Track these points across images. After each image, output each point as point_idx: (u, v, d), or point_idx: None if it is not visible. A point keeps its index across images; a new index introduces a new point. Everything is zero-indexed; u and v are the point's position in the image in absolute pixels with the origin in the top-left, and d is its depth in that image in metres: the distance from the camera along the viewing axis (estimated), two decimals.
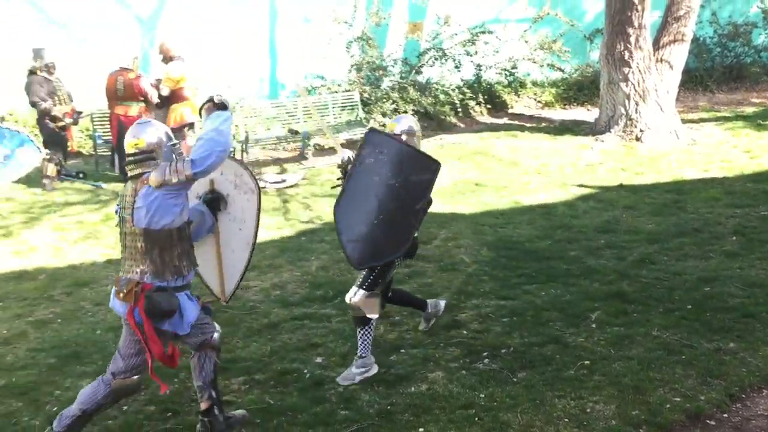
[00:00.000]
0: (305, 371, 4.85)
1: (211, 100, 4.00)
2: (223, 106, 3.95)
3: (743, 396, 4.44)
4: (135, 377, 3.93)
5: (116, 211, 3.95)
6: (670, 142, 11.16)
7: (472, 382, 4.63)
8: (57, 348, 5.25)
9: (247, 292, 6.21)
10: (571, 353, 4.95)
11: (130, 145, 3.87)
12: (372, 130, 4.96)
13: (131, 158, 3.88)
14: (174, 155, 3.88)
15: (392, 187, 4.57)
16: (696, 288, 5.92)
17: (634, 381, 4.54)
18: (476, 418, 4.22)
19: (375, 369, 4.79)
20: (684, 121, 12.57)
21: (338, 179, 5.06)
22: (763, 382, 4.56)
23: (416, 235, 4.82)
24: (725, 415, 4.25)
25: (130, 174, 3.90)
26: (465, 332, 5.33)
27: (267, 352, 5.14)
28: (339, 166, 5.05)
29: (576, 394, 4.44)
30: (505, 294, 5.95)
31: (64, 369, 4.95)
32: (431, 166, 4.70)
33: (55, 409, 4.42)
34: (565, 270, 6.39)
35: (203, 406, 4.14)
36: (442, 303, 5.46)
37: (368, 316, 4.72)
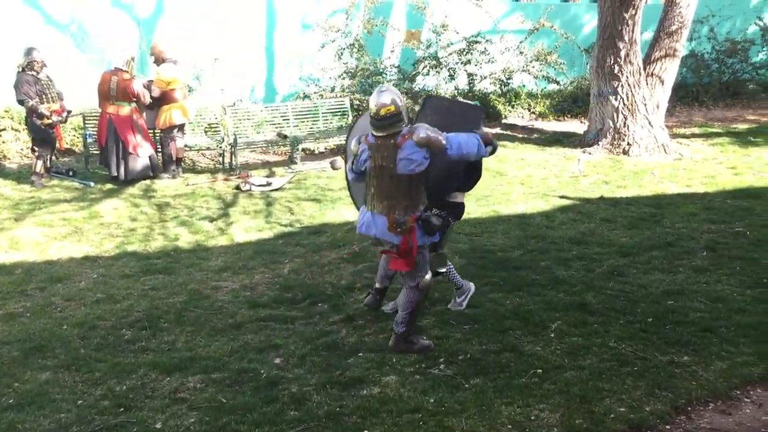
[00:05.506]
0: (262, 371, 4.91)
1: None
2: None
3: (689, 409, 4.45)
4: (426, 276, 5.09)
5: (351, 167, 5.19)
6: (657, 157, 11.21)
7: (423, 387, 4.68)
8: (22, 341, 5.32)
9: (217, 292, 6.30)
10: (526, 361, 4.99)
11: (383, 110, 4.80)
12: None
13: (386, 121, 4.82)
14: (406, 115, 4.93)
15: None
16: (659, 301, 5.96)
17: (582, 390, 4.58)
18: (421, 422, 4.27)
19: (473, 287, 5.95)
20: (676, 136, 12.65)
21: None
22: (711, 396, 4.56)
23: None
24: (668, 427, 4.26)
25: (383, 133, 4.85)
26: (425, 338, 5.39)
27: (227, 351, 5.21)
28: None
29: (523, 402, 4.48)
30: (470, 302, 6.00)
31: (26, 362, 5.02)
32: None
33: (11, 401, 4.52)
34: (533, 280, 6.44)
35: (378, 285, 5.65)
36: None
37: (439, 270, 5.60)
